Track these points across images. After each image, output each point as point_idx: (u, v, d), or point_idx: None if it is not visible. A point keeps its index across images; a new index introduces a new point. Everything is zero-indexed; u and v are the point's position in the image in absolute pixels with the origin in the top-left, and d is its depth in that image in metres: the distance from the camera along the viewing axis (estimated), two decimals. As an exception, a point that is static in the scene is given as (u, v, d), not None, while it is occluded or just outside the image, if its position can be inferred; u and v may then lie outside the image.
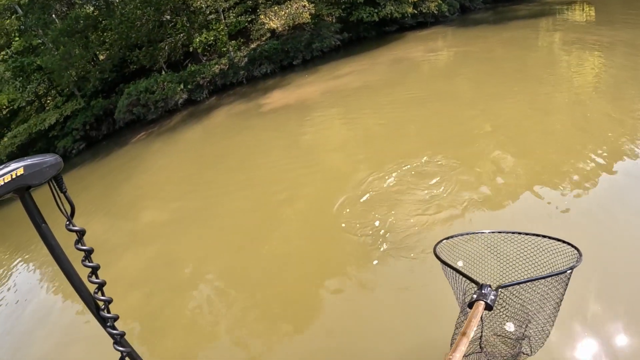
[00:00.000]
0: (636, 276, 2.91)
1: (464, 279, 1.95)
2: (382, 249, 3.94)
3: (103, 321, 1.14)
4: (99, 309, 1.14)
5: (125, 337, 1.21)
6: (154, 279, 5.10)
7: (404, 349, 2.82)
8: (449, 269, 2.03)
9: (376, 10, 15.98)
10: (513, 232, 2.09)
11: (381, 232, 4.21)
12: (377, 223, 4.36)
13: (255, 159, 8.34)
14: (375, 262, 3.81)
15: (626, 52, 9.38)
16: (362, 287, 3.60)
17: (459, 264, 2.17)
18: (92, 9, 18.19)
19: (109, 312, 1.15)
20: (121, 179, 11.39)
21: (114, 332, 1.15)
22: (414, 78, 12.04)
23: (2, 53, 18.83)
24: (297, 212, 5.36)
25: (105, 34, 16.63)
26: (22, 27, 18.68)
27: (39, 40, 17.71)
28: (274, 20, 13.51)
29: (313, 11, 14.48)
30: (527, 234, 2.04)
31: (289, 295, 3.91)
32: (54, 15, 17.72)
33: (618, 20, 15.24)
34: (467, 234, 2.22)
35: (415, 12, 16.70)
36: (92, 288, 1.14)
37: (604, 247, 3.22)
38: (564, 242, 1.91)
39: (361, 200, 4.99)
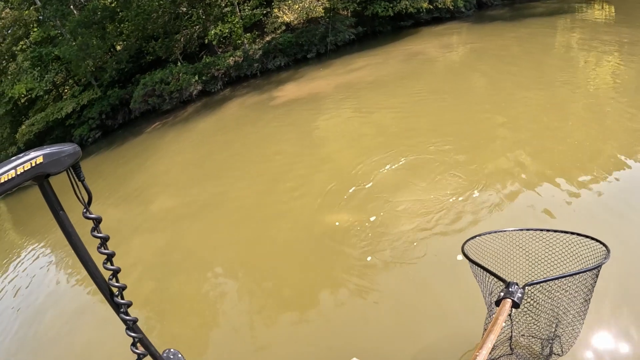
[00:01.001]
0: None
1: (491, 277, 1.97)
2: (391, 244, 4.05)
3: (117, 307, 1.17)
4: (113, 295, 1.17)
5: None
6: (165, 265, 5.30)
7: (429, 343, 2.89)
8: (476, 267, 2.05)
9: (391, 5, 16.18)
10: (540, 230, 2.09)
11: (386, 226, 4.32)
12: (381, 214, 4.53)
13: (266, 151, 8.57)
14: (387, 251, 3.92)
15: None
16: (371, 279, 3.68)
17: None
18: (109, 0, 18.75)
19: (122, 298, 1.18)
20: (135, 166, 11.78)
21: (127, 318, 1.18)
22: (427, 73, 12.11)
23: (20, 43, 19.46)
24: (306, 204, 5.49)
25: (122, 25, 17.10)
26: (41, 17, 19.31)
27: (57, 31, 18.28)
28: (287, 14, 13.80)
29: (327, 5, 14.73)
30: (554, 231, 2.03)
31: (298, 284, 4.01)
32: (72, 7, 18.27)
33: (638, 19, 15.16)
34: (494, 232, 2.22)
35: (431, 7, 16.85)
36: (106, 274, 1.16)
37: (625, 243, 3.24)
38: (591, 238, 1.90)
39: (367, 190, 5.17)
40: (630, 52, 9.79)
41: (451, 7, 17.24)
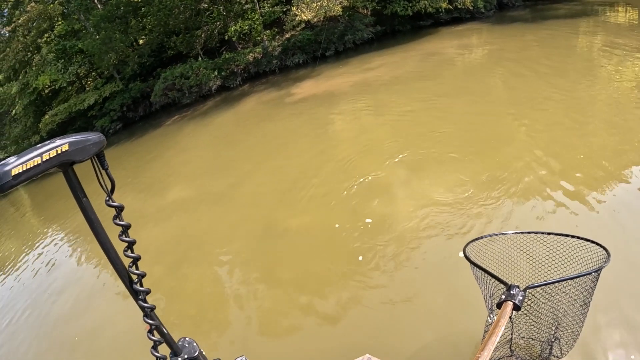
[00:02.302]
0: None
1: (492, 280, 2.02)
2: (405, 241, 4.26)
3: (135, 294, 1.21)
4: (132, 282, 1.21)
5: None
6: (178, 252, 5.61)
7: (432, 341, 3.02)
8: (477, 270, 2.10)
9: (410, 4, 16.51)
10: (541, 233, 2.14)
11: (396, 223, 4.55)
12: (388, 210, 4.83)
13: (281, 146, 8.94)
14: (412, 245, 4.15)
15: None
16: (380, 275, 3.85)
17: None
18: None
19: (141, 285, 1.22)
20: (153, 158, 12.35)
21: (145, 305, 1.21)
22: (445, 74, 12.28)
23: (45, 36, 20.35)
24: (316, 198, 5.76)
25: (144, 20, 17.81)
26: (65, 11, 20.17)
27: (81, 25, 19.10)
28: (305, 13, 14.27)
29: (346, 4, 15.16)
30: (555, 234, 2.09)
31: (303, 277, 4.22)
32: (96, 1, 19.07)
33: None
34: (495, 234, 2.29)
35: (450, 7, 17.13)
36: (126, 262, 1.20)
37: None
38: (592, 242, 1.95)
39: (379, 190, 5.40)
40: None
41: (471, 8, 17.48)
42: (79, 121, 17.28)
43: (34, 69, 19.43)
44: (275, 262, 4.63)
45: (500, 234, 2.29)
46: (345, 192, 5.58)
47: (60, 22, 20.35)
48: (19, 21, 19.22)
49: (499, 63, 12.58)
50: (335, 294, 3.77)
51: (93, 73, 18.88)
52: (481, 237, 2.26)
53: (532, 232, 2.18)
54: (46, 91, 19.26)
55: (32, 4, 20.05)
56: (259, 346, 3.48)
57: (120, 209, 1.15)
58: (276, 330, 3.62)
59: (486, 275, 2.05)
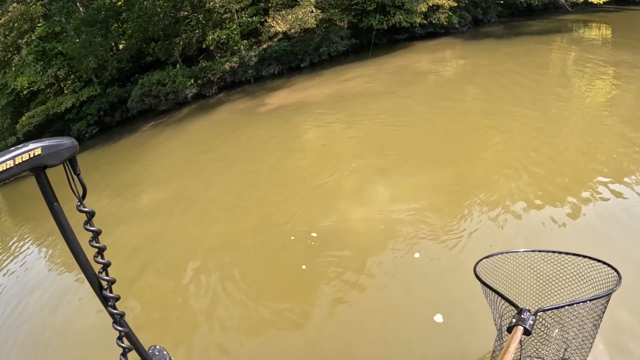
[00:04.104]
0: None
1: (502, 301, 2.04)
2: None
3: (105, 300, 1.21)
4: (102, 288, 1.21)
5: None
6: (148, 255, 6.03)
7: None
8: (488, 290, 2.11)
9: (386, 19, 17.31)
10: (552, 252, 2.16)
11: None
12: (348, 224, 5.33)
13: (248, 155, 9.58)
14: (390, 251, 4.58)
15: None
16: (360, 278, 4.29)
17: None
18: (115, -1, 20.05)
19: (111, 292, 1.23)
20: (129, 162, 12.80)
21: (115, 312, 1.22)
22: (418, 87, 12.90)
23: (26, 36, 20.77)
24: (280, 201, 6.37)
25: (125, 25, 18.37)
26: (47, 13, 20.62)
27: (61, 27, 19.58)
28: (280, 24, 14.96)
29: (320, 17, 15.90)
30: (566, 253, 2.11)
31: (272, 276, 4.63)
32: (78, 4, 19.59)
33: (636, 43, 15.90)
34: (506, 252, 2.29)
35: (425, 22, 17.95)
36: (97, 268, 1.20)
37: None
38: (603, 262, 1.97)
39: (339, 201, 5.94)
40: (625, 73, 10.32)
41: (445, 23, 18.30)
42: (56, 124, 17.75)
43: (13, 69, 19.83)
44: (241, 265, 5.03)
45: (510, 252, 2.29)
46: (301, 202, 6.13)
47: (41, 24, 20.81)
48: (0, 21, 19.65)
49: (473, 77, 13.20)
50: (287, 297, 4.25)
51: (72, 76, 19.36)
52: (491, 255, 2.27)
53: (543, 251, 2.20)
54: (24, 92, 19.69)
55: (15, 4, 20.51)
56: (226, 347, 3.83)
57: (91, 215, 1.17)
58: (241, 332, 3.96)
59: (496, 296, 2.06)
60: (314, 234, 5.20)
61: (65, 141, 1.04)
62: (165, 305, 4.77)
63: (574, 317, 1.94)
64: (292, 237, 5.27)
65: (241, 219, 6.33)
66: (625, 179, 5.10)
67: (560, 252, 2.12)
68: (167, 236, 6.55)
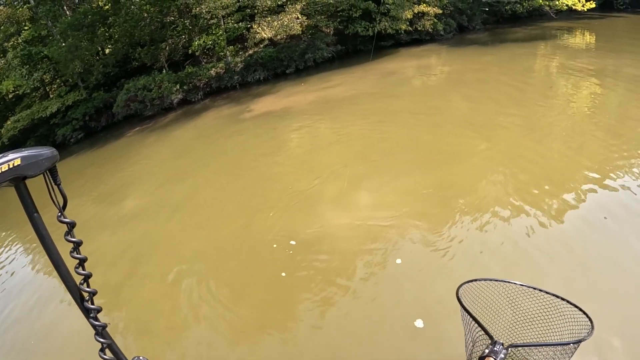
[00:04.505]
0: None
1: (478, 328, 2.11)
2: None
3: (87, 312, 1.20)
4: (83, 299, 1.19)
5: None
6: (133, 261, 6.14)
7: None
8: (466, 315, 2.18)
9: (371, 25, 17.53)
10: (535, 288, 2.21)
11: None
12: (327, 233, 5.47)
13: (231, 161, 9.81)
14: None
15: (626, 82, 10.22)
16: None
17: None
18: (104, 0, 20.05)
19: (92, 303, 1.21)
20: (115, 167, 12.86)
21: (97, 323, 1.20)
22: (402, 93, 13.11)
23: (12, 39, 20.74)
24: (264, 207, 6.50)
25: (111, 29, 18.42)
26: (34, 16, 20.60)
27: (48, 31, 19.57)
28: (265, 31, 15.13)
29: (306, 23, 16.08)
30: (547, 292, 2.17)
31: (257, 284, 4.75)
32: (65, 7, 19.60)
33: (620, 48, 16.20)
34: (490, 280, 2.34)
35: (411, 29, 18.20)
36: (78, 279, 1.18)
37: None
38: (579, 309, 2.04)
39: (321, 208, 6.06)
40: (609, 78, 10.62)
41: (431, 30, 18.59)
42: (42, 128, 17.74)
43: (-2, 73, 19.82)
44: (225, 272, 5.16)
45: (494, 280, 2.34)
46: (280, 209, 6.28)
47: (27, 27, 20.78)
48: (-13, 24, 19.62)
49: (458, 83, 13.41)
50: (269, 305, 4.39)
51: (58, 80, 19.36)
52: (474, 280, 2.33)
53: (527, 286, 2.25)
54: (10, 96, 19.65)
55: (1, 7, 20.45)
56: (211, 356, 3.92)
57: (72, 226, 1.15)
58: (226, 341, 4.04)
59: (473, 322, 2.14)
60: (292, 242, 5.31)
61: (45, 151, 1.03)
62: (149, 313, 4.82)
63: (543, 356, 2.00)
64: (275, 245, 5.36)
65: (226, 225, 6.47)
66: (611, 183, 5.25)
67: (541, 290, 2.19)
68: (151, 242, 6.66)
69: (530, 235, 4.50)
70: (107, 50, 19.17)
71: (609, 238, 4.26)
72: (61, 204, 1.14)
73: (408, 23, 17.82)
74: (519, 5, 20.47)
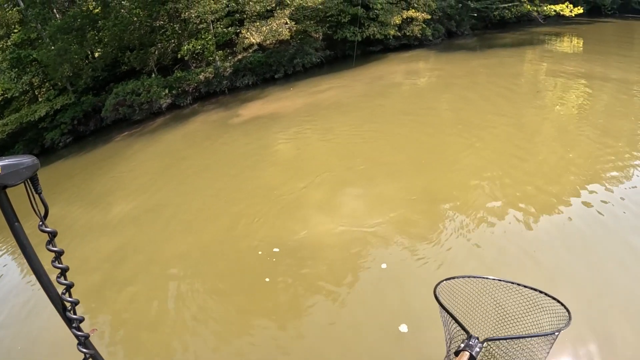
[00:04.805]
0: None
1: (455, 323, 2.16)
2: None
3: (69, 322, 1.19)
4: (65, 309, 1.19)
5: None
6: (119, 267, 6.18)
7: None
8: (444, 311, 2.22)
9: (360, 31, 17.69)
10: (512, 282, 2.26)
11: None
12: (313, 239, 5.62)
13: (224, 165, 9.92)
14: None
15: (613, 87, 10.44)
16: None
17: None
18: (94, 4, 20.05)
19: (75, 313, 1.20)
20: (103, 172, 12.89)
21: (79, 333, 1.20)
22: (391, 98, 13.29)
23: (1, 42, 20.67)
24: (249, 212, 6.62)
25: (101, 33, 18.44)
26: (23, 19, 20.55)
27: (37, 34, 19.54)
28: (254, 36, 15.24)
29: (295, 28, 16.21)
30: (524, 286, 2.22)
31: (242, 289, 4.81)
32: (54, 10, 19.58)
33: (607, 52, 16.50)
34: (467, 277, 2.38)
35: (399, 34, 18.37)
36: (60, 289, 1.17)
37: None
38: (557, 301, 2.08)
39: (309, 215, 6.12)
40: (597, 83, 10.84)
41: (419, 35, 18.77)
42: (30, 132, 17.71)
43: (-13, 76, 19.73)
44: (211, 278, 5.22)
45: (471, 277, 2.39)
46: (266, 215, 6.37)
47: (17, 30, 20.72)
48: (-24, 26, 19.53)
49: (446, 88, 13.59)
50: (255, 310, 4.48)
51: (47, 84, 19.34)
52: (453, 278, 2.37)
53: (504, 281, 2.30)
54: (-2, 100, 19.64)
55: (-10, 10, 20.41)
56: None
57: (53, 235, 1.14)
58: (213, 347, 4.12)
59: (450, 318, 2.19)
60: (276, 249, 5.37)
61: (26, 160, 1.02)
62: (134, 320, 4.87)
63: (520, 349, 2.02)
64: (260, 252, 5.42)
65: (211, 231, 6.55)
66: (598, 186, 5.38)
67: (519, 284, 2.24)
68: (137, 247, 6.72)
69: (518, 239, 4.59)
70: (96, 54, 19.17)
71: (602, 237, 4.38)
72: (42, 213, 1.12)
73: (396, 28, 18.00)
74: (507, 11, 20.71)
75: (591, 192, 5.32)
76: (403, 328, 3.64)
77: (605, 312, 3.43)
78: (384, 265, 4.58)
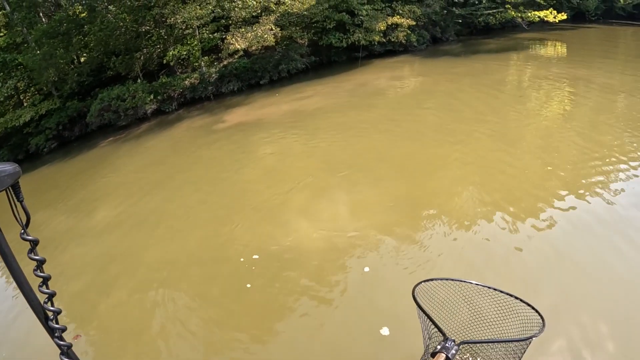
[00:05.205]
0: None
1: (432, 325, 2.21)
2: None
3: (51, 331, 1.18)
4: (47, 318, 1.17)
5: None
6: (102, 273, 6.25)
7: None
8: (421, 312, 2.27)
9: (345, 37, 17.86)
10: (489, 287, 2.29)
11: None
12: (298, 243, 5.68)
13: (208, 171, 10.07)
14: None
15: (597, 91, 10.67)
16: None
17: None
18: (80, 8, 20.03)
19: (57, 322, 1.18)
20: (87, 177, 12.95)
21: (62, 343, 1.18)
22: (375, 104, 13.45)
23: (-14, 46, 20.56)
24: (232, 220, 6.75)
25: (86, 38, 18.43)
26: (9, 22, 20.47)
27: (23, 38, 19.48)
28: (239, 42, 15.35)
29: (281, 35, 16.34)
30: (501, 291, 2.25)
31: (225, 296, 4.88)
32: (41, 14, 19.54)
33: (591, 57, 16.78)
34: (446, 279, 2.42)
35: (384, 40, 18.57)
36: (42, 297, 1.16)
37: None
38: (532, 308, 2.13)
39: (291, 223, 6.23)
40: (581, 88, 11.09)
41: (404, 42, 18.98)
42: (15, 137, 17.66)
43: (-28, 80, 19.62)
44: (192, 286, 5.29)
45: (450, 280, 2.42)
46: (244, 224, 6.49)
47: (2, 34, 20.64)
48: (-40, 30, 19.43)
49: (430, 94, 13.80)
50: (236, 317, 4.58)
51: (32, 88, 19.30)
52: (431, 280, 2.41)
53: (482, 285, 2.33)
54: (-17, 104, 19.52)
55: (-24, 13, 20.29)
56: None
57: (35, 243, 1.13)
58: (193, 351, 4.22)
59: (428, 321, 2.24)
60: (255, 256, 5.47)
61: (7, 167, 1.01)
62: (117, 327, 4.92)
63: (495, 353, 2.07)
64: (242, 259, 5.52)
65: (194, 237, 6.65)
66: (582, 192, 5.52)
67: (495, 289, 2.27)
68: (120, 253, 6.81)
69: (499, 242, 4.73)
70: (82, 59, 19.17)
71: (588, 240, 4.50)
72: (24, 221, 1.12)
73: (381, 34, 18.18)
74: (492, 17, 20.98)
75: (575, 196, 5.44)
76: (385, 331, 3.69)
77: (585, 314, 3.54)
78: (366, 269, 4.67)
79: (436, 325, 2.20)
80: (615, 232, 4.56)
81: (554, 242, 4.59)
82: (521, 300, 2.18)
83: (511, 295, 2.21)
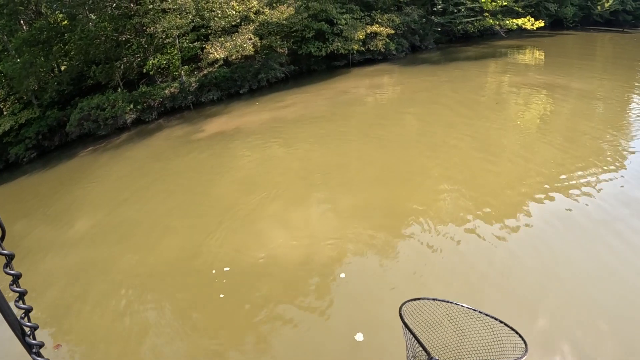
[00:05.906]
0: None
1: (417, 343, 2.22)
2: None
3: (29, 347, 1.18)
4: (24, 334, 1.17)
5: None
6: (80, 285, 6.35)
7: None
8: (407, 330, 2.27)
9: (324, 46, 18.11)
10: (475, 310, 2.33)
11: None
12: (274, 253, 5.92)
13: (187, 181, 10.27)
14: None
15: (574, 96, 11.01)
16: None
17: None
18: (61, 16, 20.03)
19: (34, 338, 1.18)
20: (67, 187, 13.03)
21: (39, 359, 1.18)
22: (354, 112, 13.74)
23: (-33, 54, 20.46)
24: (208, 230, 6.95)
25: (67, 46, 18.47)
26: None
27: (3, 46, 19.45)
28: (218, 51, 15.52)
29: (260, 44, 16.54)
30: (487, 315, 2.30)
31: (197, 306, 5.00)
32: (21, 22, 19.51)
33: (569, 63, 17.20)
34: (434, 299, 2.44)
35: (363, 49, 18.85)
36: (19, 313, 1.17)
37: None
38: (516, 332, 2.16)
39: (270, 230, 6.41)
40: (559, 93, 11.48)
41: (383, 50, 19.28)
42: (-6, 146, 17.67)
43: (-48, 88, 19.54)
44: (168, 295, 5.47)
45: (439, 300, 2.43)
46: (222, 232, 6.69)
47: (-18, 41, 20.57)
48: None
49: (409, 102, 14.10)
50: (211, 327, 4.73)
51: (12, 97, 19.28)
52: (419, 299, 2.42)
53: (467, 307, 2.36)
54: (-37, 113, 19.45)
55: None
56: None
57: (10, 257, 1.12)
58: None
59: (413, 339, 2.24)
60: (226, 269, 5.62)
61: None
62: (93, 337, 5.03)
63: None
64: (214, 271, 5.69)
65: (170, 246, 6.84)
66: (560, 195, 5.77)
67: (481, 312, 2.31)
68: (96, 264, 6.97)
69: (474, 252, 4.92)
70: (62, 67, 19.19)
71: (572, 242, 4.76)
72: None
73: (361, 43, 18.46)
74: (470, 25, 21.37)
75: (557, 198, 5.71)
76: (359, 337, 3.82)
77: (575, 322, 3.80)
78: (342, 275, 4.83)
79: (421, 345, 2.22)
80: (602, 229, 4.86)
81: (534, 244, 4.83)
82: (505, 324, 2.23)
83: (496, 319, 2.27)
